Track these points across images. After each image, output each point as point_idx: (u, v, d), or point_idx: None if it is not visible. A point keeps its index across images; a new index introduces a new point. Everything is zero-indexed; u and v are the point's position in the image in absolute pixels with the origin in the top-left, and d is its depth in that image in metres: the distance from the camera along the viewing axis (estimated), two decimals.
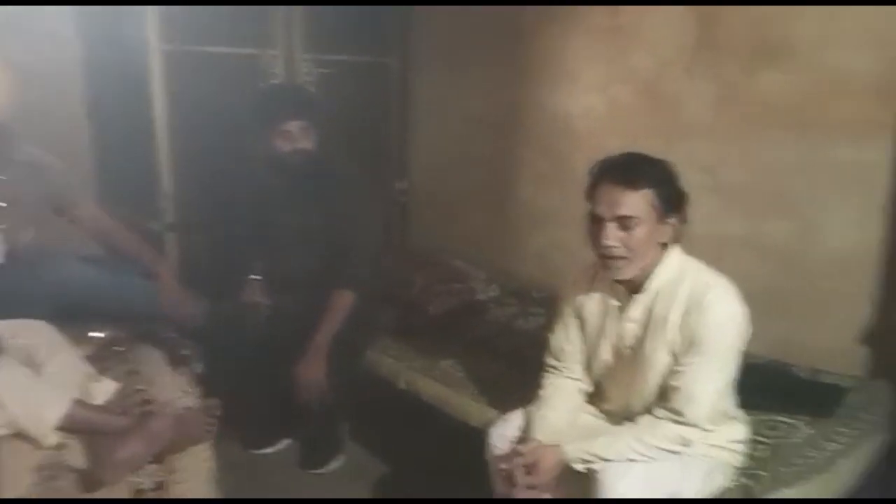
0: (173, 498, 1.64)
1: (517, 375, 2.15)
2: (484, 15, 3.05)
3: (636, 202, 1.50)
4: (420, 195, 3.54)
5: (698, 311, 1.53)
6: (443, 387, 2.21)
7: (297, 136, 2.26)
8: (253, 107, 2.38)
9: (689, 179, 1.60)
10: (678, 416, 1.53)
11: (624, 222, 1.51)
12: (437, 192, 3.45)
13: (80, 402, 1.63)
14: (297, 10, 3.03)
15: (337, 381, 2.22)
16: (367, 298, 2.32)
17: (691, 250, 1.63)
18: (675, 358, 1.56)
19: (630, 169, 1.52)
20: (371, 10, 3.25)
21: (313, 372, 2.19)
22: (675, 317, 1.55)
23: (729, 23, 2.35)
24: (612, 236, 1.53)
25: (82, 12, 2.71)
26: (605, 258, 1.56)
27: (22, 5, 2.51)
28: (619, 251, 1.54)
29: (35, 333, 1.78)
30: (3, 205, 2.01)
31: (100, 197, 2.73)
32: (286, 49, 3.05)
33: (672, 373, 1.56)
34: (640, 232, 1.52)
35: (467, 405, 2.10)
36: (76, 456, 1.61)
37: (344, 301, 2.25)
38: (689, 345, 1.53)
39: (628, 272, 1.57)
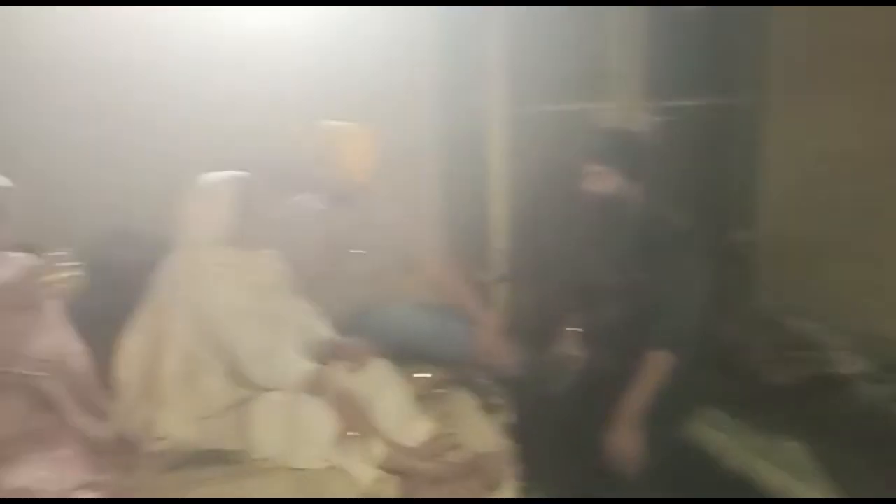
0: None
1: (890, 470, 1.68)
2: (854, 34, 2.58)
3: None
4: (768, 247, 3.09)
5: None
6: (786, 474, 1.83)
7: (596, 179, 2.17)
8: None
9: None
10: None
11: None
12: (791, 242, 2.96)
13: (395, 445, 1.74)
14: (637, 58, 2.97)
15: (652, 453, 2.00)
16: (690, 362, 2.06)
17: None
18: None
19: None
20: (720, 49, 3.02)
21: (626, 441, 2.00)
22: None
23: None
24: None
25: (441, 84, 3.05)
26: None
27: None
28: None
29: (372, 370, 1.93)
30: (363, 251, 2.33)
31: (444, 249, 2.99)
32: (624, 100, 3.00)
33: None
34: None
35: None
36: (391, 493, 1.72)
37: (659, 363, 2.03)
38: None
39: None
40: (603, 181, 2.17)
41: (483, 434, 1.89)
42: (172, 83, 2.40)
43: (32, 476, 1.51)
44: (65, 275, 1.59)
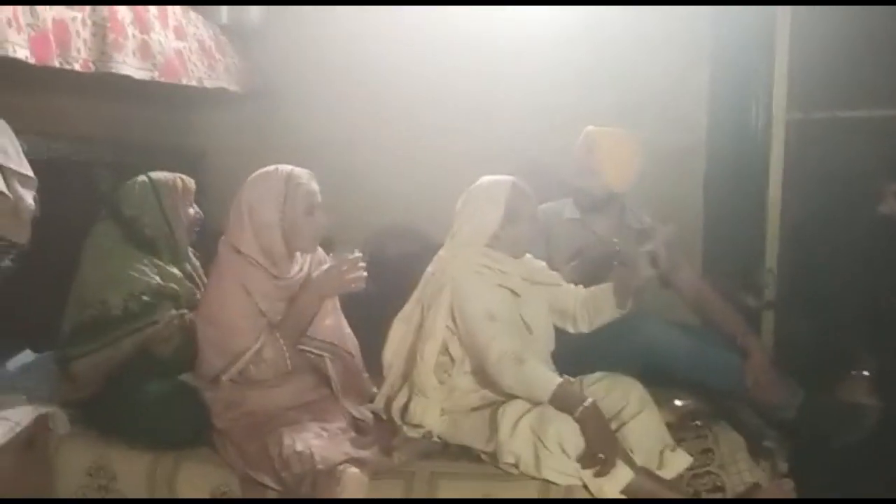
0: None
1: None
2: None
3: None
4: None
5: None
6: None
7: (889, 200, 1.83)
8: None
9: None
10: None
11: None
12: None
13: (645, 472, 1.63)
14: None
15: None
16: None
17: None
18: None
19: None
20: None
21: None
22: None
23: None
24: None
25: (715, 86, 2.81)
26: None
27: None
28: None
29: (625, 391, 1.82)
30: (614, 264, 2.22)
31: (703, 268, 2.75)
32: None
33: None
34: None
35: None
36: None
37: None
38: None
39: None
40: (887, 200, 1.85)
41: (749, 479, 1.68)
42: (449, 90, 2.50)
43: (308, 442, 1.64)
44: (360, 275, 1.74)
